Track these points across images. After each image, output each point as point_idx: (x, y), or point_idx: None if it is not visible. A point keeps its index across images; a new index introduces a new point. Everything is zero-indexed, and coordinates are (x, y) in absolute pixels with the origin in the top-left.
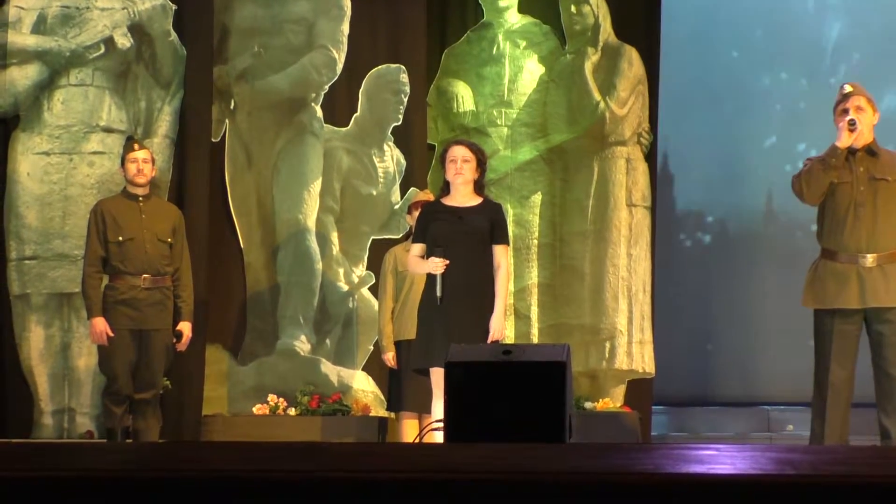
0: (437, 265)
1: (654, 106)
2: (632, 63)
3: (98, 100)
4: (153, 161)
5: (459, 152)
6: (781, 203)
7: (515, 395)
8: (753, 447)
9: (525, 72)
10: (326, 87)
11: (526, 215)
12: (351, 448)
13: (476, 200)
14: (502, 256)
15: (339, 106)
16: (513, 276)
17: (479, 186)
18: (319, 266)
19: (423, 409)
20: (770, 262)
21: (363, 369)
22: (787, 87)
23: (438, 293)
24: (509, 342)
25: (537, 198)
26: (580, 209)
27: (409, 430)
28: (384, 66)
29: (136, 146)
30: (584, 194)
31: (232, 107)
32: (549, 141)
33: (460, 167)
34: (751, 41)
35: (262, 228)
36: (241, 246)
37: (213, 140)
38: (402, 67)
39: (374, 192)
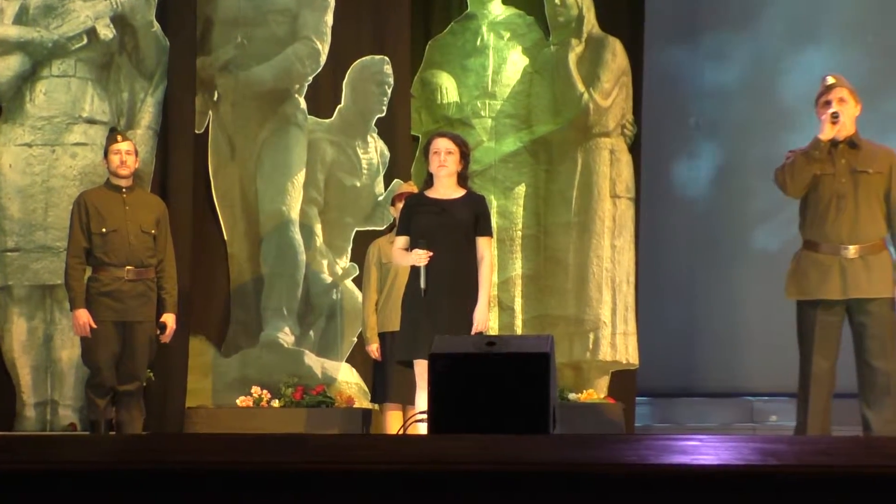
0: (420, 257)
1: (638, 97)
2: (615, 54)
3: (81, 91)
4: (136, 152)
5: (442, 144)
6: (766, 195)
7: (499, 387)
8: (737, 438)
9: (509, 63)
10: (310, 78)
11: (510, 207)
12: (335, 440)
13: (459, 192)
14: (486, 248)
15: (323, 97)
16: (497, 267)
17: (462, 178)
18: (303, 258)
19: (407, 400)
20: (753, 254)
21: (347, 361)
22: (775, 79)
23: (422, 285)
24: (493, 333)
25: (521, 189)
26: (564, 200)
27: (392, 422)
28: (368, 57)
29: (119, 137)
30: (568, 185)
31: (215, 98)
32: (533, 132)
33: (443, 159)
34: (739, 30)
35: (246, 220)
36: (225, 237)
37: (197, 131)
38: (386, 59)
39: (358, 184)
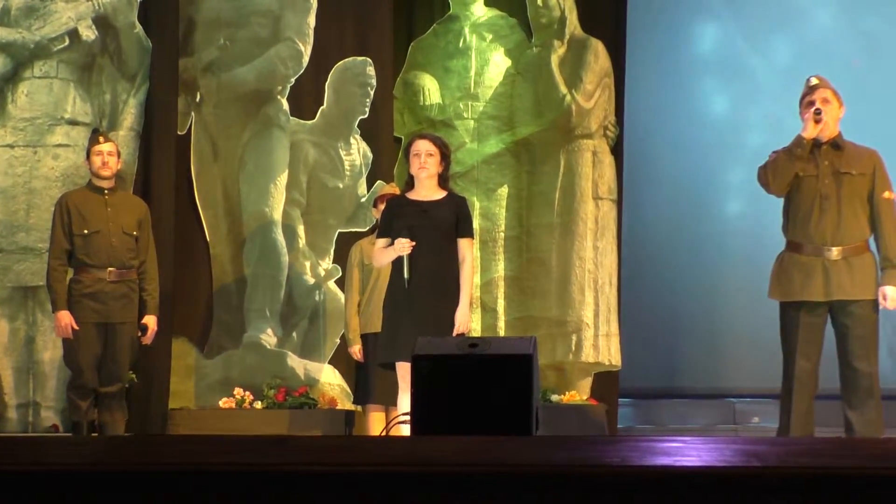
0: (403, 246)
1: (621, 99)
2: (598, 56)
3: (63, 92)
4: (118, 154)
5: (423, 146)
6: (749, 197)
7: (482, 388)
8: (719, 439)
9: (491, 65)
10: (293, 79)
11: (492, 208)
12: (317, 441)
13: (440, 194)
14: (467, 249)
15: (306, 99)
16: (479, 269)
17: (443, 180)
18: (286, 259)
19: (390, 402)
20: (736, 255)
21: (330, 362)
22: (759, 79)
23: (406, 275)
24: (476, 335)
25: (504, 190)
26: (547, 202)
27: (375, 424)
28: (351, 58)
29: (101, 139)
30: (550, 187)
31: (198, 99)
32: (515, 134)
33: (424, 161)
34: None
35: (229, 221)
36: (208, 239)
37: (179, 133)
38: (369, 60)
39: (341, 185)
